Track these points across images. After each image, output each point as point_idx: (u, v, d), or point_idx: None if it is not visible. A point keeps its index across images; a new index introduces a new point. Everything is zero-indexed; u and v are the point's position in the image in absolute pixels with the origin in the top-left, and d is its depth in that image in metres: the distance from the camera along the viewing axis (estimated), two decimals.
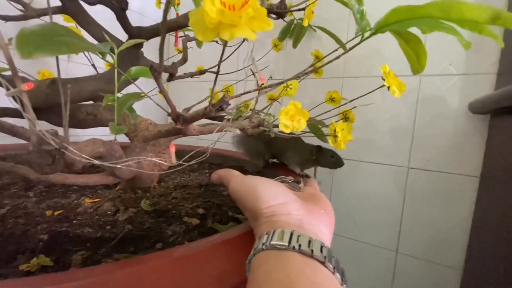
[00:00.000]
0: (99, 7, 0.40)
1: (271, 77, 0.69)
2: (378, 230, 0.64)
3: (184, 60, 0.55)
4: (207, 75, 0.66)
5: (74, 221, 0.30)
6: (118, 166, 0.25)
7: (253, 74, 0.28)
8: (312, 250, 0.18)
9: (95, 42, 0.42)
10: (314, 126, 0.43)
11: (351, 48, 0.20)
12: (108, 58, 0.28)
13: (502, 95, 0.41)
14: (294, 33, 0.64)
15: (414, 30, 0.21)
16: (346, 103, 0.46)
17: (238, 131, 0.31)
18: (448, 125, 0.56)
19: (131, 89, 0.30)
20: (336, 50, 0.24)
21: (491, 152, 0.50)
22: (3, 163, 0.29)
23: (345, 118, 0.47)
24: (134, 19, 0.85)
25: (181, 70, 0.56)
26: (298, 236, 0.19)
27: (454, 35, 0.13)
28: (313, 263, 0.18)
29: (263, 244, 0.19)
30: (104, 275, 0.19)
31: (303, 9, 0.40)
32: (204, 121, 0.37)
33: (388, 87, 0.31)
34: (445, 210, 0.57)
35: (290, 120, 0.32)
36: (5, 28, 0.48)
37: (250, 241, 0.23)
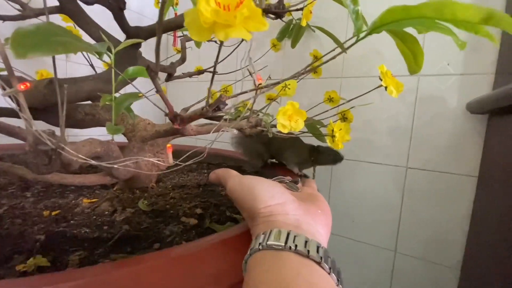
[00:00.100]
0: (98, 8, 0.40)
1: (270, 77, 0.69)
2: (376, 230, 0.64)
3: (182, 60, 0.55)
4: (206, 75, 0.66)
5: (71, 221, 0.30)
6: (115, 166, 0.25)
7: (250, 74, 0.28)
8: (308, 251, 0.18)
9: (93, 42, 0.42)
10: (313, 126, 0.43)
11: (347, 48, 0.20)
12: (106, 58, 0.28)
13: (500, 95, 0.41)
14: (293, 33, 0.64)
15: (411, 30, 0.21)
16: (343, 103, 0.47)
17: (235, 131, 0.31)
18: (446, 125, 0.56)
19: (130, 89, 0.30)
20: (334, 50, 0.24)
21: (489, 152, 0.50)
22: (0, 163, 0.29)
23: (344, 118, 0.47)
24: (133, 18, 0.85)
25: (180, 70, 0.56)
26: (295, 236, 0.19)
27: (449, 35, 0.13)
28: (309, 263, 0.18)
29: (260, 244, 0.19)
30: (101, 275, 0.19)
31: (301, 9, 0.40)
32: (203, 121, 0.37)
33: (386, 87, 0.31)
34: (443, 210, 0.57)
35: (288, 120, 0.32)
36: (3, 28, 0.48)
37: (248, 241, 0.23)
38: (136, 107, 0.34)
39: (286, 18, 0.65)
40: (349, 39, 0.22)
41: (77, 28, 0.43)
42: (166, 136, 0.37)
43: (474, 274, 0.49)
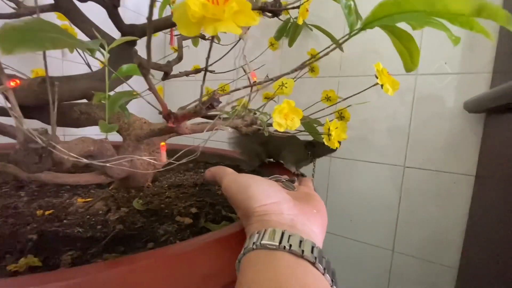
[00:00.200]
0: (95, 6, 0.40)
1: (268, 76, 0.68)
2: (374, 229, 0.64)
3: (179, 58, 0.55)
4: (203, 74, 0.66)
5: (64, 221, 0.30)
6: (108, 165, 0.25)
7: (245, 72, 0.28)
8: (302, 251, 0.18)
9: (89, 40, 0.42)
10: (309, 124, 0.42)
11: (341, 44, 0.20)
12: (100, 56, 0.28)
13: (498, 94, 0.40)
14: (290, 32, 0.64)
15: (408, 28, 0.20)
16: (339, 101, 0.46)
17: (230, 129, 0.30)
18: (443, 124, 0.56)
19: (127, 87, 0.30)
20: (328, 47, 0.23)
21: (486, 151, 0.50)
22: None
23: (341, 116, 0.47)
24: (130, 17, 0.85)
25: (177, 69, 0.56)
26: (289, 236, 0.19)
27: (442, 30, 0.13)
28: (304, 263, 0.18)
29: (254, 243, 0.19)
30: (92, 275, 0.19)
31: (298, 7, 0.40)
32: (199, 120, 0.37)
33: (382, 85, 0.31)
34: (441, 209, 0.57)
35: (283, 119, 0.32)
36: None
37: (242, 240, 0.23)
38: (134, 105, 0.33)
39: (284, 17, 0.65)
40: (346, 35, 0.22)
41: (73, 26, 0.43)
42: (161, 134, 0.37)
43: (471, 273, 0.49)
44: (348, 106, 0.46)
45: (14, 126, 0.27)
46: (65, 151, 0.21)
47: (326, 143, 0.35)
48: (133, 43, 0.43)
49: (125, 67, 0.29)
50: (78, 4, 0.41)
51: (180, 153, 0.27)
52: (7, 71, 0.36)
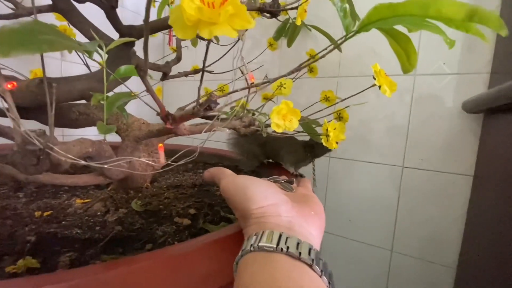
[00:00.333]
0: (94, 6, 0.40)
1: (267, 76, 0.68)
2: (373, 229, 0.64)
3: (178, 59, 0.55)
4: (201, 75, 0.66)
5: (63, 222, 0.30)
6: (107, 166, 0.25)
7: (243, 73, 0.28)
8: (300, 253, 0.18)
9: (87, 40, 0.42)
10: (308, 125, 0.42)
11: (339, 44, 0.20)
12: (98, 57, 0.28)
13: (496, 94, 0.41)
14: (289, 32, 0.64)
15: (405, 30, 0.20)
16: (338, 102, 0.46)
17: (227, 130, 0.30)
18: (442, 124, 0.56)
19: (125, 88, 0.30)
20: (326, 48, 0.23)
21: (484, 151, 0.50)
22: None
23: (339, 117, 0.47)
24: (129, 17, 0.85)
25: (176, 69, 0.56)
26: (287, 238, 0.19)
27: (438, 34, 0.13)
28: (301, 265, 0.18)
29: (251, 245, 0.19)
30: (91, 277, 0.19)
31: (296, 8, 0.40)
32: (198, 120, 0.37)
33: (379, 86, 0.31)
34: (439, 209, 0.57)
35: (282, 120, 0.32)
36: None
37: (240, 241, 0.23)
38: (132, 106, 0.33)
39: (282, 17, 0.65)
40: (343, 37, 0.22)
41: (71, 26, 0.43)
42: (159, 135, 0.37)
43: (470, 273, 0.49)
44: (346, 107, 0.46)
45: (12, 128, 0.27)
46: (63, 153, 0.21)
47: (324, 144, 0.35)
48: (132, 43, 0.43)
49: (123, 68, 0.29)
50: (76, 4, 0.41)
51: (179, 154, 0.27)
52: (5, 72, 0.36)
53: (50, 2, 0.40)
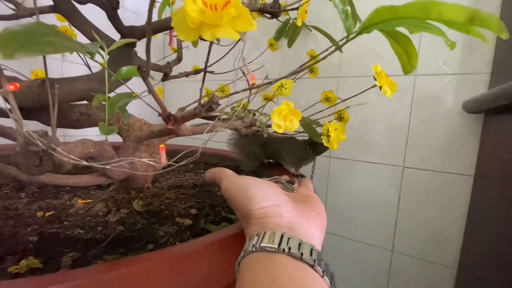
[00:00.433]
0: (95, 7, 0.40)
1: (267, 77, 0.68)
2: (373, 229, 0.64)
3: (178, 59, 0.55)
4: (203, 74, 0.66)
5: (65, 222, 0.30)
6: (107, 167, 0.25)
7: (244, 74, 0.28)
8: (301, 253, 0.18)
9: (88, 41, 0.42)
10: (309, 125, 0.43)
11: (341, 46, 0.20)
12: (99, 58, 0.28)
13: (496, 94, 0.41)
14: (289, 32, 0.64)
15: (405, 31, 0.21)
16: (339, 103, 0.46)
17: (229, 131, 0.31)
18: (442, 124, 0.56)
19: (127, 89, 0.30)
20: (327, 49, 0.23)
21: (485, 151, 0.50)
22: None
23: (340, 117, 0.47)
24: (130, 18, 0.85)
25: (177, 70, 0.56)
26: (289, 238, 0.19)
27: (439, 35, 0.13)
28: (302, 266, 0.18)
29: (253, 246, 0.19)
30: (93, 276, 0.19)
31: (297, 8, 0.40)
32: (200, 121, 0.37)
33: (380, 87, 0.31)
34: (440, 209, 0.57)
35: (283, 120, 0.32)
36: None
37: (241, 241, 0.23)
38: (133, 106, 0.33)
39: (283, 17, 0.65)
40: (343, 38, 0.22)
41: (72, 27, 0.43)
42: (160, 136, 0.37)
43: (470, 273, 0.49)
44: (347, 107, 0.46)
45: (14, 128, 0.27)
46: (65, 153, 0.21)
47: (325, 144, 0.35)
48: (133, 44, 0.43)
49: (124, 69, 0.29)
50: (77, 5, 0.41)
51: (181, 154, 0.27)
52: (6, 72, 0.36)
53: (51, 3, 0.40)
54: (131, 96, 0.30)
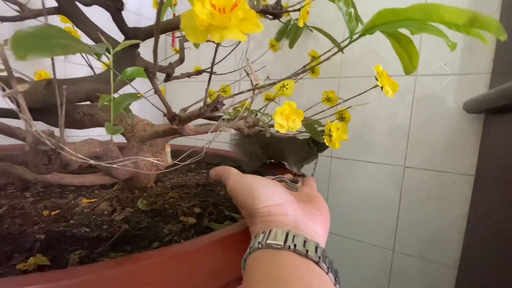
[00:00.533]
0: (97, 8, 0.40)
1: (268, 77, 0.69)
2: (374, 229, 0.65)
3: (181, 60, 0.55)
4: (204, 75, 0.66)
5: (71, 221, 0.31)
6: (114, 166, 0.26)
7: (248, 75, 0.29)
8: (307, 250, 0.19)
9: (91, 42, 0.43)
10: (310, 125, 0.43)
11: (343, 48, 0.21)
12: (104, 59, 0.28)
13: (496, 94, 0.41)
14: (291, 33, 0.65)
15: (406, 31, 0.21)
16: (340, 103, 0.47)
17: (233, 131, 0.31)
18: (443, 124, 0.56)
19: (128, 89, 0.31)
20: (329, 50, 0.24)
21: (485, 151, 0.50)
22: (0, 164, 0.29)
23: (341, 117, 0.48)
24: (131, 19, 0.86)
25: (178, 71, 0.57)
26: (294, 236, 0.20)
27: (440, 37, 0.14)
28: (308, 263, 0.18)
29: (259, 243, 0.20)
30: (100, 273, 0.19)
31: (299, 9, 0.40)
32: (202, 121, 0.38)
33: (382, 87, 0.31)
34: (440, 208, 0.57)
35: (285, 120, 0.32)
36: (1, 29, 0.48)
37: (245, 239, 0.23)
38: (135, 107, 0.34)
39: (284, 18, 0.65)
40: (345, 39, 0.22)
41: (76, 28, 0.44)
42: (164, 136, 0.37)
43: (471, 272, 0.49)
44: (348, 108, 0.47)
45: (22, 128, 0.28)
46: (73, 152, 0.22)
47: (327, 144, 0.35)
48: (136, 45, 0.43)
49: (129, 70, 0.29)
50: (81, 6, 0.41)
51: (185, 154, 0.28)
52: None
53: (56, 5, 0.41)
54: (135, 96, 0.30)
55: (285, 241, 0.19)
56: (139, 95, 0.30)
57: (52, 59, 0.23)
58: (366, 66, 0.64)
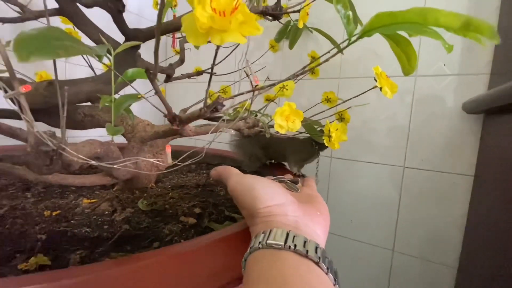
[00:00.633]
0: (97, 9, 0.40)
1: (268, 78, 0.69)
2: (374, 229, 0.65)
3: (181, 61, 0.56)
4: (205, 75, 0.67)
5: (72, 221, 0.31)
6: (115, 166, 0.26)
7: (247, 76, 0.29)
8: (307, 251, 0.19)
9: (92, 43, 0.43)
10: (310, 126, 0.43)
11: (343, 49, 0.21)
12: (105, 60, 0.29)
13: (495, 95, 0.41)
14: (291, 34, 0.65)
15: (406, 34, 0.21)
16: (339, 104, 0.47)
17: (232, 132, 0.31)
18: (442, 124, 0.56)
19: (129, 90, 0.31)
20: (329, 52, 0.24)
21: (485, 151, 0.51)
22: (1, 164, 0.29)
23: (341, 118, 0.48)
24: (132, 20, 0.86)
25: (179, 71, 0.57)
26: (294, 236, 0.20)
27: (437, 39, 0.14)
28: (308, 263, 0.18)
29: (260, 243, 0.20)
30: (101, 272, 0.19)
31: (299, 11, 0.40)
32: (202, 121, 0.38)
33: (381, 88, 0.32)
34: (440, 208, 0.57)
35: (285, 121, 0.32)
36: (2, 30, 0.48)
37: (245, 239, 0.24)
38: (136, 108, 0.34)
39: (284, 19, 0.66)
40: (345, 41, 0.23)
41: (76, 29, 0.44)
42: (165, 137, 0.37)
43: (471, 272, 0.49)
44: (348, 108, 0.47)
45: (23, 129, 0.28)
46: (75, 153, 0.22)
47: (327, 144, 0.36)
48: (137, 46, 0.44)
49: (130, 71, 0.29)
50: (82, 8, 0.42)
51: (185, 155, 0.28)
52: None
53: (57, 6, 0.41)
54: (136, 97, 0.30)
55: (285, 241, 0.19)
56: (139, 96, 0.30)
57: (54, 60, 0.24)
58: (365, 66, 0.64)
